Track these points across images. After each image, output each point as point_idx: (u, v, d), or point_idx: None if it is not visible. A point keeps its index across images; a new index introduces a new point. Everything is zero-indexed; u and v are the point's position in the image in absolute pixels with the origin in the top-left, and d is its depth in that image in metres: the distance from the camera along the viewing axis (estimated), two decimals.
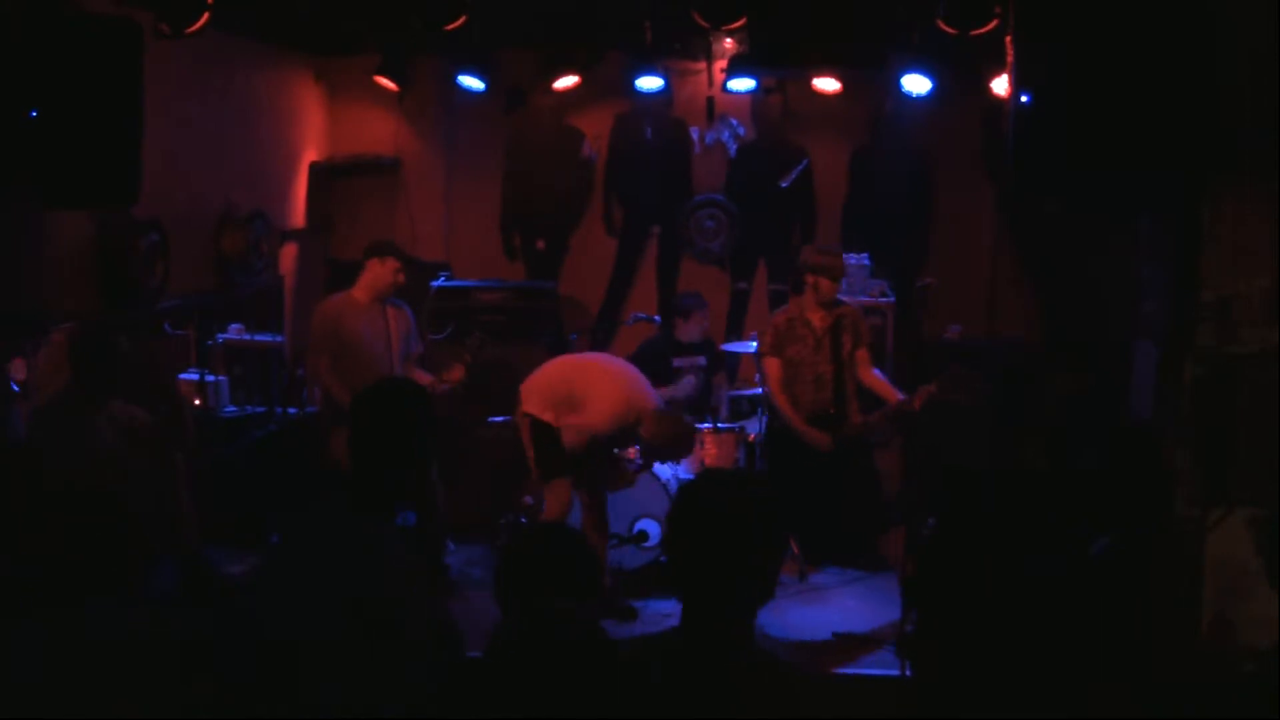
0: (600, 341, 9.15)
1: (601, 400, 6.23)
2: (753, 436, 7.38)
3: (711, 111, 8.73)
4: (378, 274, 6.74)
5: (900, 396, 6.75)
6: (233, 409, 7.59)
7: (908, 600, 5.99)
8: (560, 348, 8.17)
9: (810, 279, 6.87)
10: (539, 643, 2.34)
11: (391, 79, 8.13)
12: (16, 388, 5.88)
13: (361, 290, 6.78)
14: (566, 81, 8.54)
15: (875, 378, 6.94)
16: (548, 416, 6.36)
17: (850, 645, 6.15)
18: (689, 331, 8.04)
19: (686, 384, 8.05)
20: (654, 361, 8.20)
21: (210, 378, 7.39)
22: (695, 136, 9.27)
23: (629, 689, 2.37)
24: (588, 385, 6.31)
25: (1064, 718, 3.04)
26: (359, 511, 3.24)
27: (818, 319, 6.92)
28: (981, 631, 3.60)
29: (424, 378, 6.90)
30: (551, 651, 2.32)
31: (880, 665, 5.70)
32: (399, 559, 3.19)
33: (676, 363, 8.14)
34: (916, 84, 7.68)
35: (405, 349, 6.87)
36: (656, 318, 8.52)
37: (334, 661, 2.97)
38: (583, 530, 6.59)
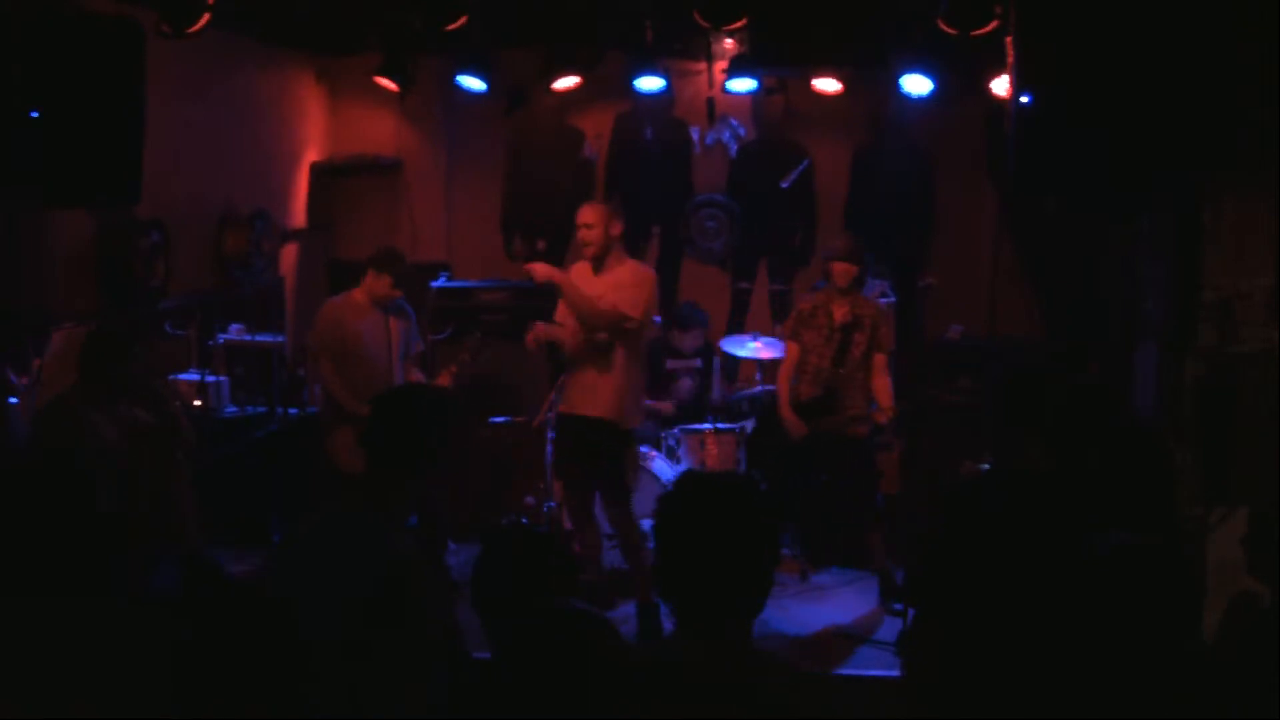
0: None
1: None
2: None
3: (712, 112, 8.72)
4: (373, 285, 6.84)
5: (889, 407, 6.74)
6: (233, 409, 7.59)
7: (907, 600, 6.00)
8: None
9: (827, 266, 6.89)
10: (551, 643, 2.33)
11: (392, 79, 8.13)
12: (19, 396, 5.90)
13: (362, 293, 6.86)
14: (567, 81, 8.53)
15: (881, 385, 6.81)
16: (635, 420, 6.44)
17: (851, 645, 6.16)
18: (686, 342, 8.10)
19: (683, 387, 8.10)
20: (649, 363, 8.23)
21: (211, 378, 7.40)
22: (695, 137, 9.27)
23: (629, 694, 2.36)
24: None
25: (1064, 718, 3.04)
26: (367, 511, 3.24)
27: (839, 312, 6.83)
28: (981, 631, 3.60)
29: (421, 378, 6.93)
30: (564, 651, 2.31)
31: (880, 665, 5.70)
32: (408, 559, 3.19)
33: (670, 364, 8.16)
34: (917, 84, 7.67)
35: (405, 349, 6.90)
36: (657, 318, 8.52)
37: (341, 662, 2.97)
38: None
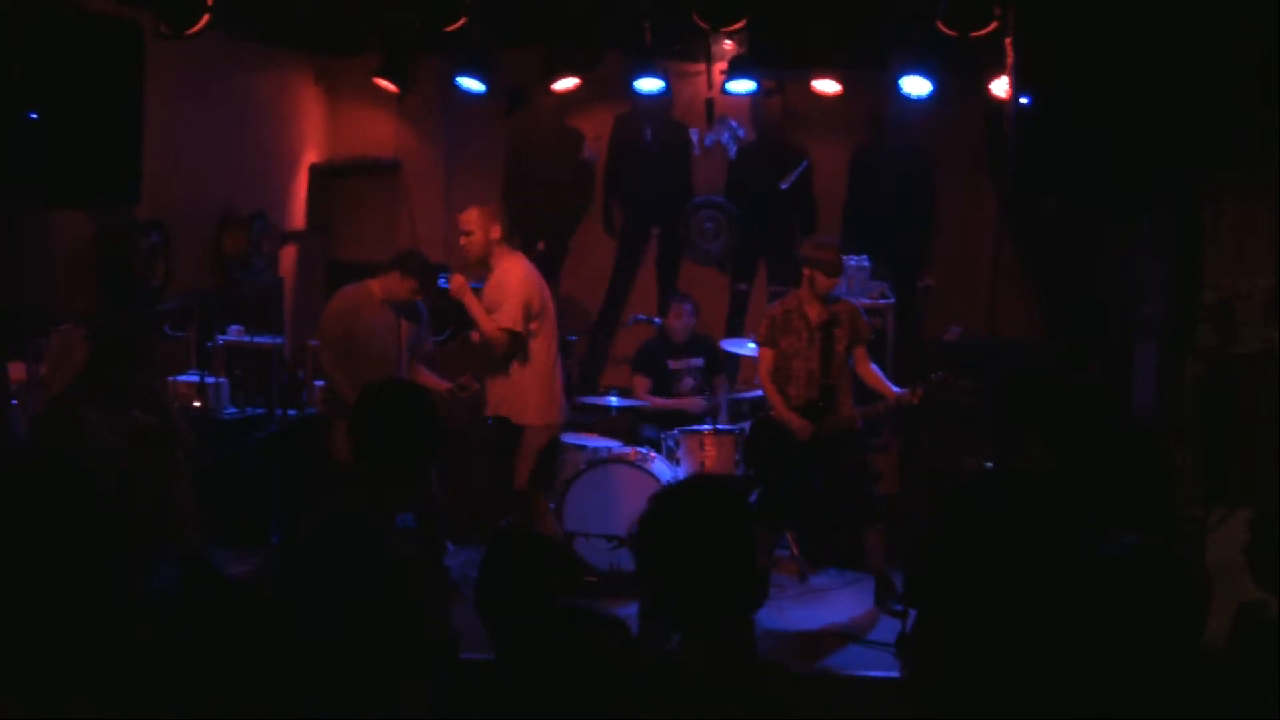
0: (600, 343, 9.16)
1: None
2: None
3: (711, 113, 8.72)
4: (395, 286, 6.75)
5: (897, 392, 6.75)
6: (233, 410, 7.59)
7: (907, 601, 6.00)
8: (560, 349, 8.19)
9: (806, 272, 6.86)
10: (552, 643, 2.33)
11: (391, 80, 8.13)
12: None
13: (379, 287, 6.80)
14: (566, 83, 8.53)
15: (873, 373, 6.90)
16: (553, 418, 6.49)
17: (850, 646, 6.16)
18: (675, 328, 8.11)
19: (685, 386, 8.11)
20: (650, 363, 8.23)
21: (210, 379, 7.39)
22: (695, 138, 9.27)
23: (629, 694, 2.36)
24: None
25: (1064, 718, 3.04)
26: (367, 511, 3.24)
27: (814, 313, 6.86)
28: (982, 632, 3.60)
29: (431, 379, 6.92)
30: (564, 651, 2.31)
31: (879, 666, 5.70)
32: (408, 559, 3.19)
33: (671, 364, 8.16)
34: (916, 85, 7.67)
35: (414, 343, 6.91)
36: (656, 319, 8.52)
37: (341, 662, 2.97)
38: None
